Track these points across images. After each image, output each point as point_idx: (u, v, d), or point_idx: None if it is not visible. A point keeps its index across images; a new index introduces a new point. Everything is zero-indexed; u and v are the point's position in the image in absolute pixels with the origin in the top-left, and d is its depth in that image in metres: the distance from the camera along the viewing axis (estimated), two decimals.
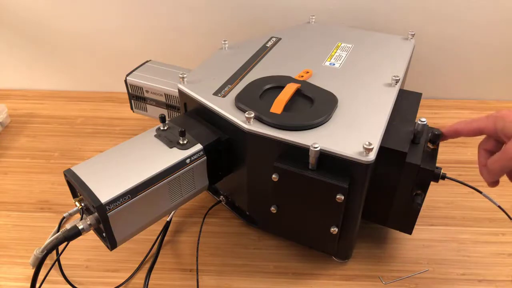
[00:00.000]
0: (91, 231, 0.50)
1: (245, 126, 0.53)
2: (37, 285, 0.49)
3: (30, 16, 0.91)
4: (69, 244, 0.49)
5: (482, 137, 0.52)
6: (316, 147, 0.48)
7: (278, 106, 0.54)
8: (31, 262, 0.58)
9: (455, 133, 0.52)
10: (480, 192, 0.57)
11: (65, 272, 0.57)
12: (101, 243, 0.52)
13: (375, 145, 0.49)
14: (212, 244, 0.64)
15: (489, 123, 0.49)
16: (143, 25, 0.91)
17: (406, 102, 0.60)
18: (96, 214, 0.47)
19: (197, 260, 0.61)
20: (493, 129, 0.48)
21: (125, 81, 0.74)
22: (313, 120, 0.52)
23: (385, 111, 0.55)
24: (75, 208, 0.52)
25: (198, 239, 0.63)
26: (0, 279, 0.59)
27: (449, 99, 0.96)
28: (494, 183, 0.51)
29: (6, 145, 0.83)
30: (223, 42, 0.71)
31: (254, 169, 0.57)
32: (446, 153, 0.79)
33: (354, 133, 0.51)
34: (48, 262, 0.58)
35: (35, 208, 0.70)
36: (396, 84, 0.60)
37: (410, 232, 0.58)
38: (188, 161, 0.53)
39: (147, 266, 0.61)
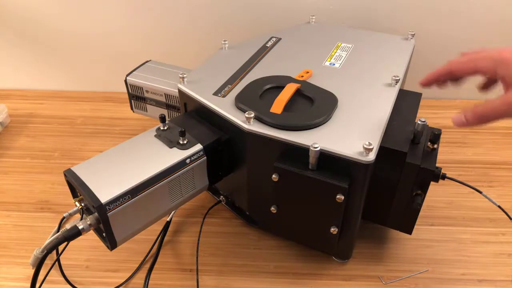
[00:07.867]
0: (91, 231, 0.50)
1: (245, 126, 0.53)
2: (37, 285, 0.49)
3: (30, 16, 0.91)
4: (69, 244, 0.49)
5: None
6: (316, 147, 0.48)
7: (278, 106, 0.54)
8: (31, 262, 0.58)
9: (449, 74, 0.49)
10: (480, 192, 0.57)
11: (65, 272, 0.57)
12: (101, 243, 0.52)
13: (375, 145, 0.49)
14: (212, 244, 0.64)
15: (489, 65, 0.46)
16: (143, 25, 0.91)
17: (406, 102, 0.60)
18: (96, 214, 0.47)
19: (197, 260, 0.61)
20: (493, 72, 0.45)
21: (125, 81, 0.74)
22: (313, 120, 0.52)
23: (385, 111, 0.55)
24: (75, 208, 0.52)
25: (198, 239, 0.63)
26: (0, 279, 0.59)
27: (449, 99, 0.96)
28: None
29: (6, 145, 0.83)
30: (223, 42, 0.71)
31: (254, 169, 0.57)
32: (446, 153, 0.79)
33: (354, 133, 0.51)
34: (48, 262, 0.58)
35: (35, 208, 0.70)
36: (396, 84, 0.60)
37: (410, 232, 0.58)
38: (188, 161, 0.53)
39: (147, 266, 0.61)
